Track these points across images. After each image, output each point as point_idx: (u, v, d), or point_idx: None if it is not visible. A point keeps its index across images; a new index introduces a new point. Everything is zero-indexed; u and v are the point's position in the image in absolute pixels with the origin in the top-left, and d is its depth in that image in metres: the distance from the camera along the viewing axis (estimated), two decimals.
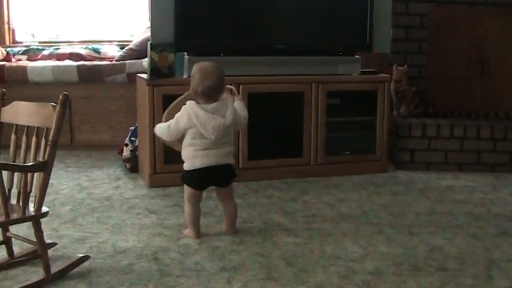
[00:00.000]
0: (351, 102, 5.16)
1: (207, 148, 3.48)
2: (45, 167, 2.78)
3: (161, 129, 3.57)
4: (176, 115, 3.50)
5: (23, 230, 3.36)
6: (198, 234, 3.62)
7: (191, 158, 3.50)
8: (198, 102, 3.46)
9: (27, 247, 3.23)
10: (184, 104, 3.52)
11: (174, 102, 3.68)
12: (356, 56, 5.12)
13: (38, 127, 2.90)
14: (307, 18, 5.05)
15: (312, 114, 4.95)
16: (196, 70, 3.51)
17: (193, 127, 3.44)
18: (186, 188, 3.60)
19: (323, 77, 4.98)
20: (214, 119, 3.43)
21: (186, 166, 3.54)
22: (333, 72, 5.06)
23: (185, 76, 4.71)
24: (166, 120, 3.57)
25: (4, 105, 3.05)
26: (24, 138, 2.93)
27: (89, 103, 5.87)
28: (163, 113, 3.70)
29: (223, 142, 3.52)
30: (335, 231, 3.75)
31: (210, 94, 3.45)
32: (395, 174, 5.17)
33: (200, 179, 3.55)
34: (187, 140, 3.50)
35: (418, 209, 4.23)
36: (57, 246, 3.35)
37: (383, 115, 5.12)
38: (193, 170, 3.51)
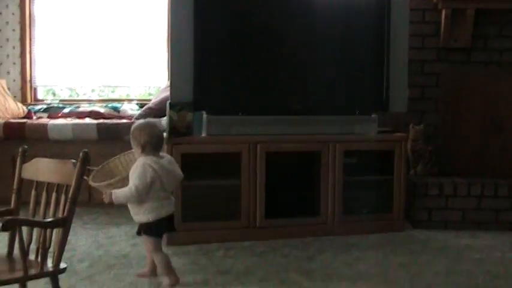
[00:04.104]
0: (368, 161, 5.18)
1: (166, 198, 3.74)
2: (64, 223, 2.80)
3: (124, 195, 3.63)
4: (135, 174, 3.61)
5: (40, 286, 3.37)
6: (177, 277, 3.77)
7: (155, 209, 3.68)
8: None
9: None
10: (121, 162, 3.82)
11: (105, 163, 3.83)
12: (373, 116, 5.16)
13: (58, 184, 2.93)
14: (324, 78, 5.12)
15: (329, 173, 4.97)
16: (139, 127, 3.74)
17: (155, 180, 3.62)
18: (151, 240, 3.76)
19: (340, 137, 5.02)
20: (175, 172, 3.76)
21: (150, 217, 3.68)
22: (349, 131, 5.09)
23: (203, 135, 4.76)
24: (95, 181, 3.68)
25: (25, 161, 3.10)
26: (44, 194, 2.96)
27: None
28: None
29: (170, 192, 3.82)
30: None
31: (159, 145, 3.73)
32: (412, 233, 5.14)
33: (165, 227, 3.79)
34: (148, 194, 3.64)
35: (436, 268, 4.20)
36: None
37: (400, 174, 5.12)
38: (159, 220, 3.69)
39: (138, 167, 3.62)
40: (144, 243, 3.92)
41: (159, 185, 3.64)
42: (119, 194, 3.61)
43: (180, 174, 3.81)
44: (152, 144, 3.69)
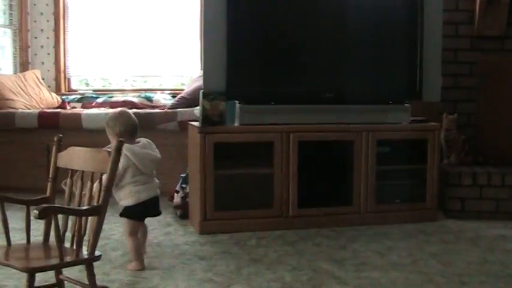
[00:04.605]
0: (401, 150, 5.15)
1: (147, 182, 3.84)
2: (99, 211, 2.83)
3: None
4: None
5: (75, 273, 3.41)
6: (144, 265, 3.84)
7: (135, 193, 3.79)
8: None
9: None
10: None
11: None
12: (406, 105, 5.12)
13: (92, 172, 2.97)
14: (357, 67, 5.09)
15: (361, 162, 4.96)
16: (114, 117, 3.87)
17: (130, 166, 3.74)
18: (128, 222, 3.86)
19: (373, 126, 5.00)
20: (150, 154, 3.81)
21: (130, 202, 3.81)
22: (382, 120, 5.07)
23: (236, 124, 4.77)
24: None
25: (60, 150, 3.13)
26: (79, 182, 2.99)
27: None
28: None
29: (152, 176, 3.92)
30: (384, 280, 3.72)
31: (134, 132, 3.84)
32: (445, 223, 5.12)
33: (145, 210, 3.89)
34: (126, 180, 3.78)
35: (469, 258, 4.17)
36: None
37: (433, 163, 5.09)
38: (138, 204, 3.81)
39: None
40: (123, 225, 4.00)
41: (134, 170, 3.76)
42: None
43: (155, 156, 3.87)
44: (127, 133, 3.80)
